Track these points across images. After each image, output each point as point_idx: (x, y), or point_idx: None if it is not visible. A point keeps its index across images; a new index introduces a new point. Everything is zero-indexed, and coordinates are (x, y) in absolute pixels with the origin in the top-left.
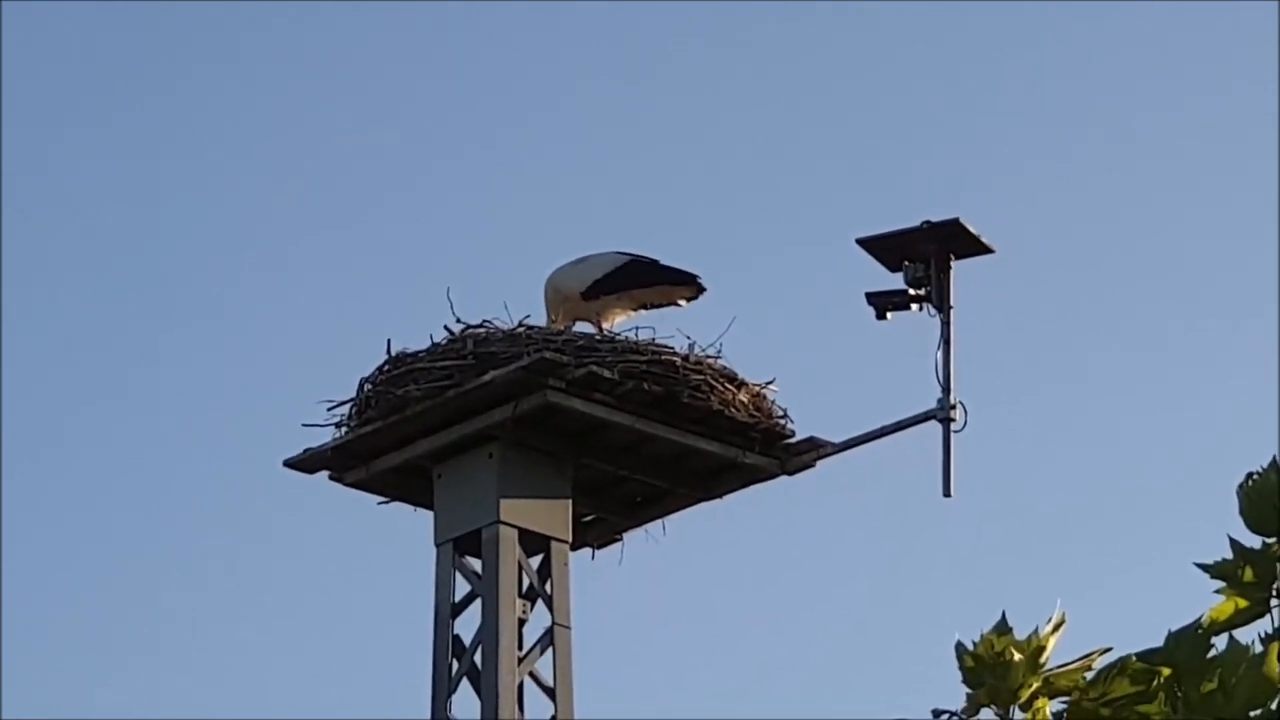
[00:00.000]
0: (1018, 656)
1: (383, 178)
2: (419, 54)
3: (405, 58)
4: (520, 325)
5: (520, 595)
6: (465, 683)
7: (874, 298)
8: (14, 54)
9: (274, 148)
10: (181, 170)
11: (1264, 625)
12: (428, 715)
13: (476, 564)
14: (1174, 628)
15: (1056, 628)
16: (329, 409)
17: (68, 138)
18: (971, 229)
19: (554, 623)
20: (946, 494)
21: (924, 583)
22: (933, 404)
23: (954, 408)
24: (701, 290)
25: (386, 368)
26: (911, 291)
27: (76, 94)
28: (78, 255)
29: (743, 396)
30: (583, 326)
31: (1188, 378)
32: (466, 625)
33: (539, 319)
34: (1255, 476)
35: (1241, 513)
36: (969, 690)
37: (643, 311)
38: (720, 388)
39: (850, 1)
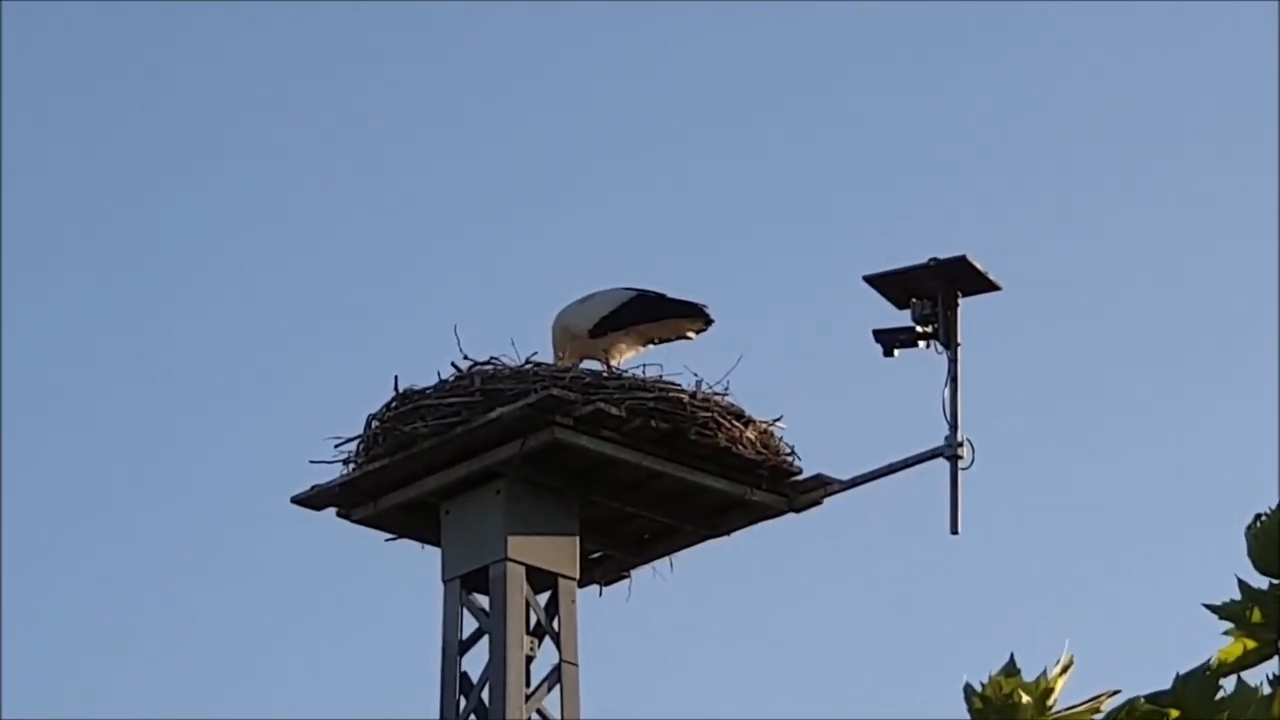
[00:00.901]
0: (1025, 698)
1: (390, 214)
2: (427, 87)
3: (413, 91)
4: (528, 362)
5: (528, 632)
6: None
7: (881, 335)
8: (14, 54)
9: (280, 182)
10: (187, 199)
11: (1272, 667)
12: None
13: (484, 601)
14: (1182, 669)
15: (1065, 669)
16: (336, 446)
17: (69, 139)
18: (979, 266)
19: (561, 660)
20: (954, 532)
21: (931, 621)
22: (940, 441)
23: (961, 445)
24: (709, 322)
25: (394, 404)
26: (919, 329)
27: (76, 96)
28: (83, 283)
29: (750, 434)
30: (591, 364)
31: (1197, 416)
32: (474, 662)
33: (546, 355)
34: (1263, 518)
35: (1249, 554)
36: None
37: (651, 347)
38: (727, 425)
39: (856, 37)
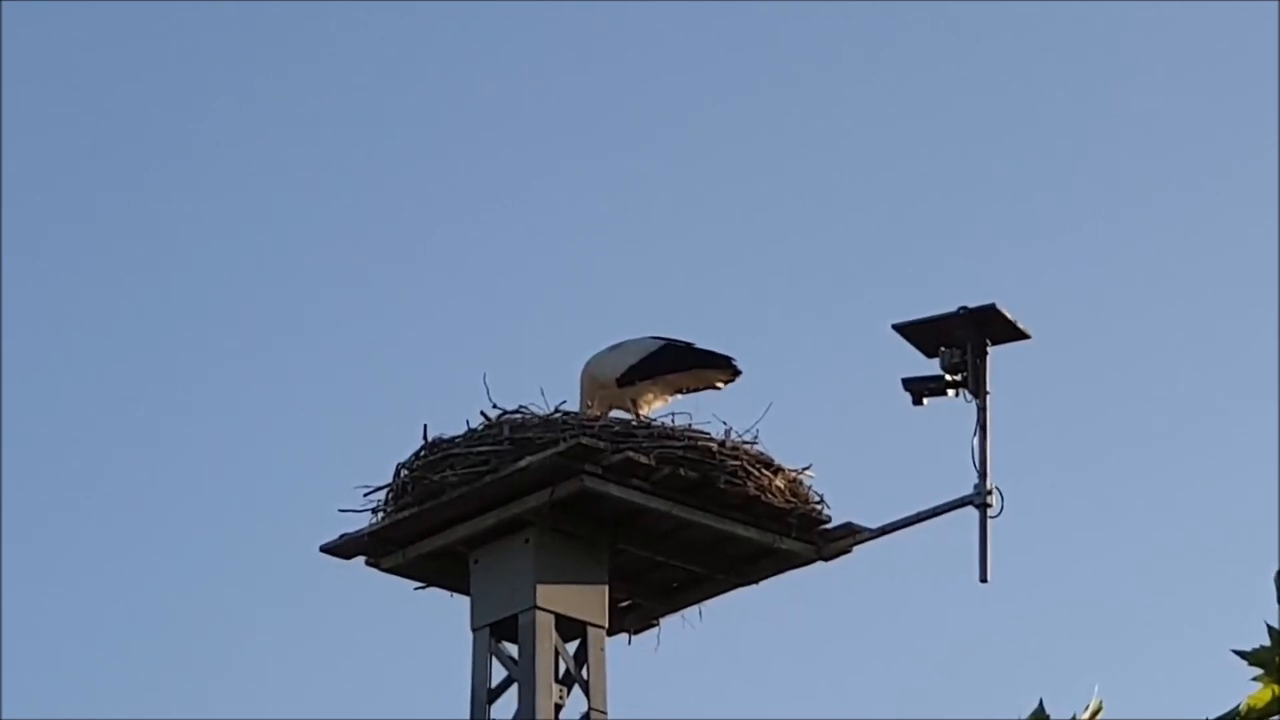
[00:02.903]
0: None
1: (418, 263)
2: (457, 135)
3: (443, 138)
4: (557, 411)
5: (557, 681)
6: None
7: (910, 383)
8: (14, 54)
9: (309, 228)
10: (210, 248)
11: None
12: None
13: (513, 649)
14: (1212, 715)
15: (1094, 715)
16: (366, 494)
17: (70, 139)
18: (1008, 315)
19: (590, 708)
20: (983, 579)
21: (961, 668)
22: (969, 490)
23: (990, 493)
24: (737, 373)
25: (423, 453)
26: (948, 377)
27: (77, 98)
28: (108, 320)
29: (779, 482)
30: (619, 413)
31: (1226, 464)
32: (503, 711)
33: (575, 404)
34: None
35: (1279, 600)
36: None
37: (679, 396)
38: (757, 473)
39: (886, 86)
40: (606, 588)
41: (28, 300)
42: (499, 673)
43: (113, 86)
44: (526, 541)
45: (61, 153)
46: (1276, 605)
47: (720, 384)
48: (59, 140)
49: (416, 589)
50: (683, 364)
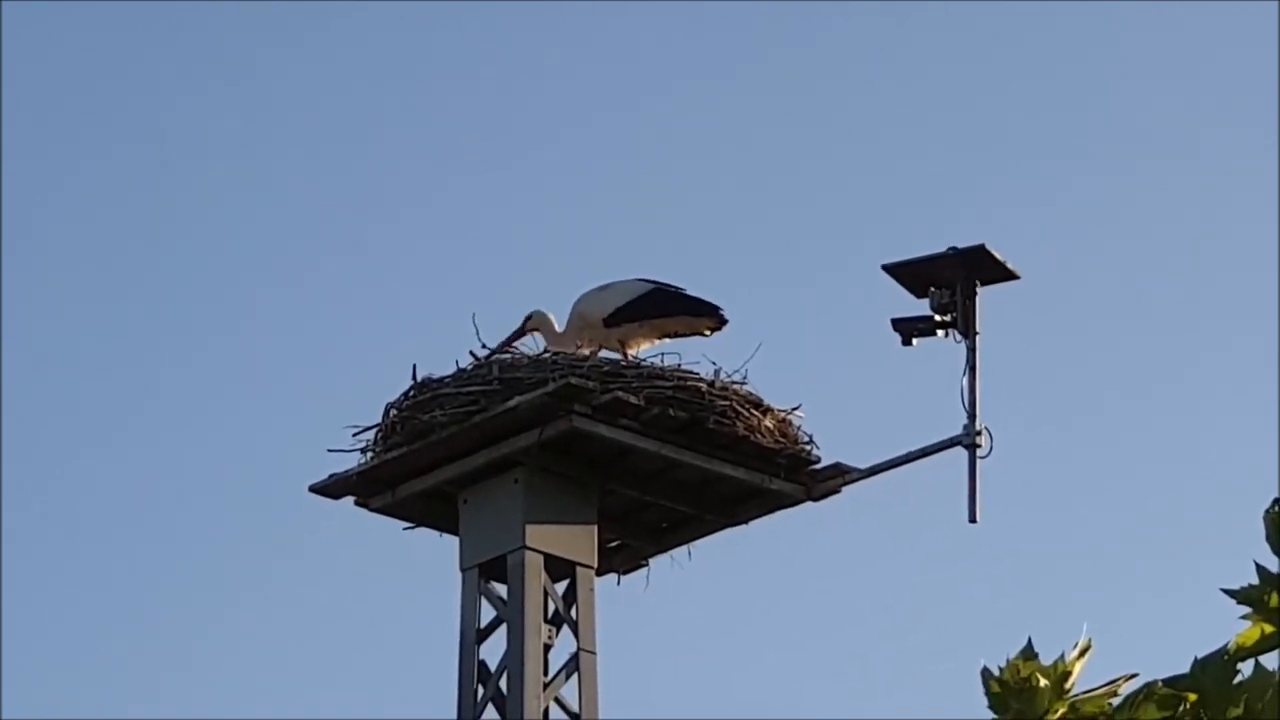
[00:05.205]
0: (1044, 682)
1: (408, 202)
2: (445, 77)
3: (431, 80)
4: (546, 351)
5: (546, 621)
6: (491, 708)
7: (900, 324)
8: (14, 54)
9: (297, 171)
10: (201, 192)
11: None
12: None
13: (502, 589)
14: (1200, 654)
15: (1083, 653)
16: (355, 434)
17: (73, 137)
18: (997, 255)
19: (579, 648)
20: (972, 520)
21: (950, 608)
22: (958, 430)
23: (980, 433)
24: (724, 322)
25: (412, 393)
26: (937, 317)
27: (77, 98)
28: (99, 275)
29: (768, 422)
30: (609, 353)
31: (1215, 402)
32: (492, 651)
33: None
34: None
35: (1267, 539)
36: (994, 716)
37: (667, 340)
38: (746, 413)
39: (875, 29)
40: (595, 528)
41: (26, 253)
42: (488, 613)
43: (113, 86)
44: (515, 482)
45: (61, 152)
46: (1266, 544)
47: (706, 331)
48: (59, 140)
49: (405, 529)
50: (670, 309)
